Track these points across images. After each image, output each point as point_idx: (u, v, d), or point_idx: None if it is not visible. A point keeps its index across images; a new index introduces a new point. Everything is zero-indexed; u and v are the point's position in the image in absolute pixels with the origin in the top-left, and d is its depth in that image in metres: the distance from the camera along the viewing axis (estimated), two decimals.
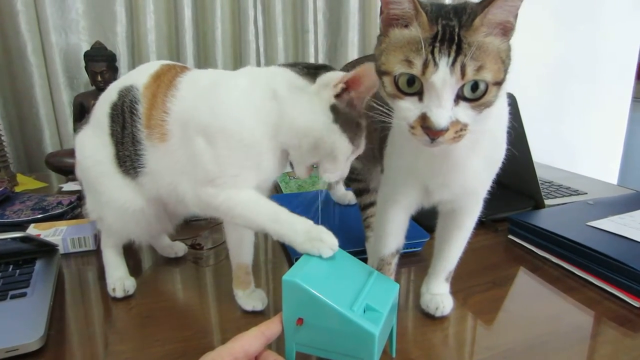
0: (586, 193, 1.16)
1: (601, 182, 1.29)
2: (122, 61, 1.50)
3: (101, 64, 1.31)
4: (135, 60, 1.52)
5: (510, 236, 0.90)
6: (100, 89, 1.34)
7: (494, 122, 0.52)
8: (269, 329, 0.46)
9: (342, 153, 0.55)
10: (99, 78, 1.32)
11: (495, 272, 0.78)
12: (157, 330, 0.62)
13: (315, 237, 0.52)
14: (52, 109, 1.44)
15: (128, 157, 0.62)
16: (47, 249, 0.77)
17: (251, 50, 1.58)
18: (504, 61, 0.44)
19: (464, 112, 0.44)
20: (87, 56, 1.33)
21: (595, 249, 0.73)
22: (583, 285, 0.73)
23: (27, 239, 0.68)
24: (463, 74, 0.41)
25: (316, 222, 0.54)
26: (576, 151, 2.16)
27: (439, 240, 0.65)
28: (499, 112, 0.52)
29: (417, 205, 0.63)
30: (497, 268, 0.80)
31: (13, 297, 0.64)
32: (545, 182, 1.24)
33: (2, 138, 1.23)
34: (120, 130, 0.63)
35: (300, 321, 0.45)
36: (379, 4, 1.55)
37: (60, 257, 0.79)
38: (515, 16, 0.44)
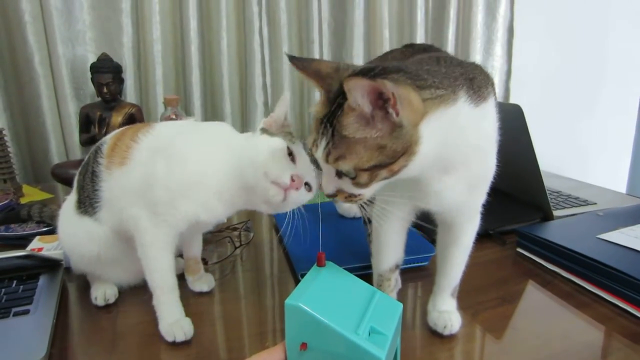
0: (596, 203, 1.14)
1: (610, 191, 1.27)
2: (128, 72, 1.51)
3: (107, 75, 1.32)
4: (142, 70, 1.52)
5: (518, 249, 0.88)
6: (106, 100, 1.35)
7: (465, 156, 0.50)
8: (271, 356, 0.45)
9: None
10: (105, 89, 1.33)
11: (504, 287, 0.77)
12: (161, 349, 0.61)
13: (174, 324, 0.62)
14: (58, 120, 1.45)
15: (87, 197, 0.67)
16: (51, 264, 0.76)
17: (256, 61, 1.58)
18: (385, 146, 0.43)
19: (347, 185, 0.47)
20: (93, 68, 1.34)
21: (607, 263, 0.72)
22: (595, 301, 0.71)
23: (30, 257, 0.68)
24: (327, 159, 0.45)
25: (317, 235, 0.56)
26: (584, 158, 2.15)
27: (440, 257, 0.64)
28: (474, 145, 0.50)
29: (411, 217, 0.63)
30: (506, 283, 0.78)
31: (16, 314, 0.64)
32: (554, 192, 1.23)
33: (9, 149, 1.23)
34: (82, 178, 0.69)
35: (304, 346, 0.44)
36: (385, 14, 1.57)
37: (64, 272, 0.78)
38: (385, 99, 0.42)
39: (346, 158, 0.44)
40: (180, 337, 0.61)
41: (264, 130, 0.62)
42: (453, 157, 0.49)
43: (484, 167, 0.54)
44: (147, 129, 0.66)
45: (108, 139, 0.69)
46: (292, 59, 0.49)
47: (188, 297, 0.72)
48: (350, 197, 0.48)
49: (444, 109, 0.44)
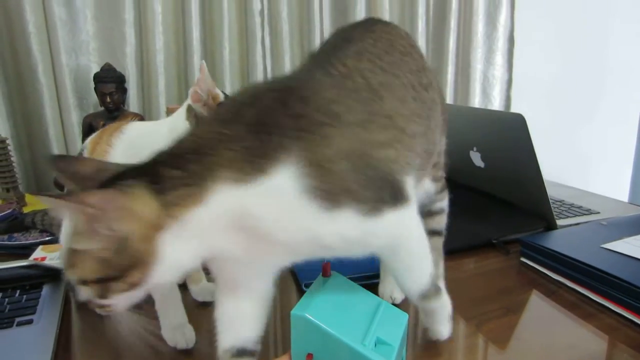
0: (599, 212, 1.14)
1: (613, 200, 1.27)
2: (132, 81, 1.51)
3: (110, 85, 1.33)
4: (144, 80, 1.53)
5: (522, 259, 0.88)
6: (109, 110, 1.35)
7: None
8: None
9: None
10: (108, 99, 1.33)
11: (508, 297, 0.76)
12: (164, 359, 0.61)
13: (177, 329, 0.62)
14: (61, 129, 1.45)
15: None
16: (54, 274, 0.76)
17: (258, 71, 1.59)
18: (109, 259, 0.38)
19: (90, 294, 0.41)
20: (97, 78, 1.35)
21: (611, 272, 0.71)
22: (600, 311, 0.71)
23: (33, 266, 0.68)
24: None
25: None
26: (585, 167, 2.15)
27: None
28: None
29: None
30: (510, 293, 0.78)
31: (19, 324, 0.64)
32: (556, 200, 1.22)
33: (12, 158, 1.23)
34: None
35: (310, 357, 0.44)
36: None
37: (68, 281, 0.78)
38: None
39: (73, 267, 0.40)
40: (181, 345, 0.62)
41: (190, 111, 0.57)
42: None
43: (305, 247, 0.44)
44: (118, 133, 0.67)
45: (87, 144, 0.70)
46: (54, 160, 0.42)
47: (192, 307, 0.71)
48: (102, 307, 0.42)
49: (195, 209, 0.39)
